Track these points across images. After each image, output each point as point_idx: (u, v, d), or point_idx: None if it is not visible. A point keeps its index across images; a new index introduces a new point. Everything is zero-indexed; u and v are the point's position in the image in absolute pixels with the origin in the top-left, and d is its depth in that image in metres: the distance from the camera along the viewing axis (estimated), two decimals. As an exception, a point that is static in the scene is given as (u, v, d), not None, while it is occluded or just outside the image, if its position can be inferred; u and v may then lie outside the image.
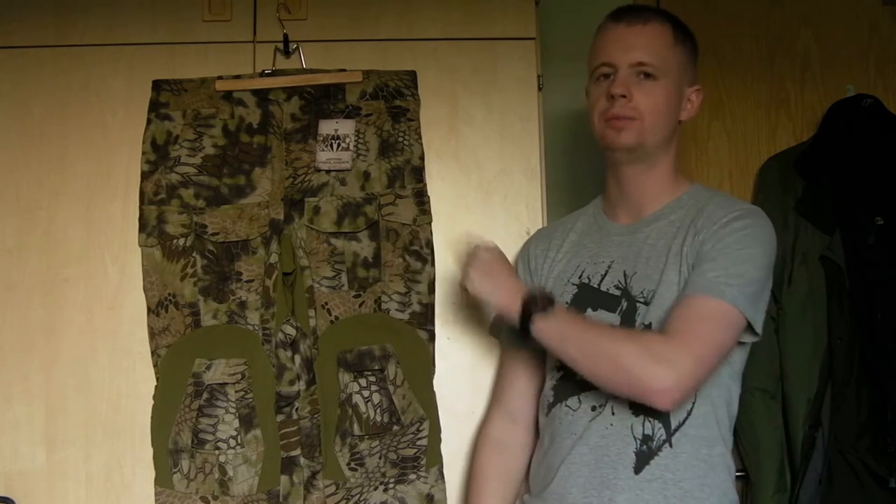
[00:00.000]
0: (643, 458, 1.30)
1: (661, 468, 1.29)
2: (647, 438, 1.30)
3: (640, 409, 1.31)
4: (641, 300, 1.35)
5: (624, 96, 1.37)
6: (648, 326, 1.33)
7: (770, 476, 1.75)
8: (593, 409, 1.34)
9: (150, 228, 1.64)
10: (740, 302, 1.27)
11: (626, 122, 1.37)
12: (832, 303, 1.77)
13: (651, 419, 1.30)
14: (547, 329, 1.31)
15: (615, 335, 1.30)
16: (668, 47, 1.41)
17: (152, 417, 1.58)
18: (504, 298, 1.37)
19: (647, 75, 1.38)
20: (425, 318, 1.63)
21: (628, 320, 1.36)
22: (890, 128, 1.88)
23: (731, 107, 2.04)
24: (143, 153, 1.67)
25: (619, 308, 1.37)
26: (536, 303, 1.32)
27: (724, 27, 2.06)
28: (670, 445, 1.30)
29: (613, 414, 1.32)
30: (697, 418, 1.31)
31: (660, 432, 1.30)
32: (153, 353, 1.61)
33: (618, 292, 1.38)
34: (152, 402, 1.59)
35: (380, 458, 1.58)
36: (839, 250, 1.79)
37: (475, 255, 1.43)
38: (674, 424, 1.30)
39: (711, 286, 1.27)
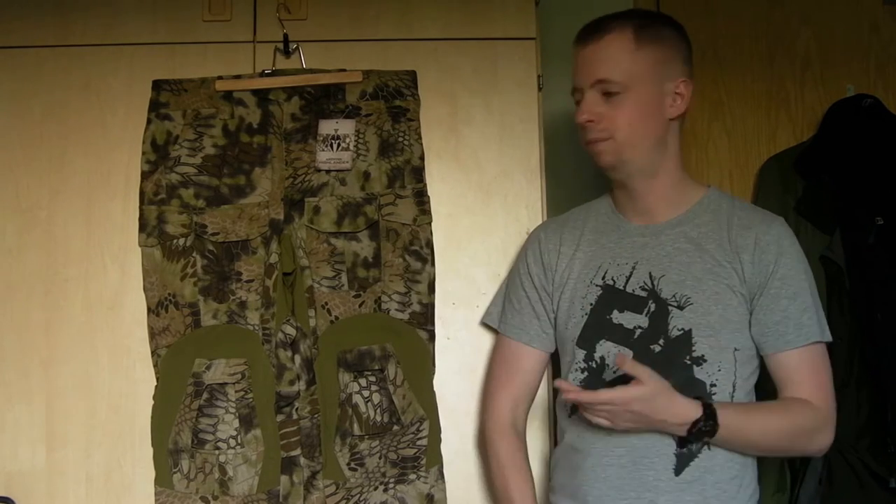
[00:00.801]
0: (683, 459, 1.31)
1: (701, 469, 1.31)
2: (685, 440, 1.31)
3: None
4: (674, 304, 1.36)
5: (591, 121, 1.37)
6: (685, 332, 1.34)
7: (770, 476, 1.75)
8: None
9: (150, 228, 1.64)
10: (828, 331, 1.39)
11: (602, 144, 1.37)
12: (832, 303, 1.77)
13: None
14: (719, 438, 1.30)
15: (781, 422, 1.32)
16: (629, 54, 1.36)
17: (152, 417, 1.58)
18: (671, 425, 1.29)
19: (609, 93, 1.36)
20: (425, 318, 1.63)
21: (659, 322, 1.36)
22: (890, 128, 1.88)
23: (731, 107, 2.04)
24: (143, 153, 1.67)
25: (647, 310, 1.38)
26: (700, 433, 1.28)
27: (724, 27, 2.06)
28: (708, 447, 1.32)
29: None
30: None
31: None
32: (153, 353, 1.61)
33: (644, 293, 1.39)
34: (152, 402, 1.59)
35: (380, 458, 1.58)
36: (839, 250, 1.79)
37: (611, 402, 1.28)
38: None
39: (816, 331, 1.36)
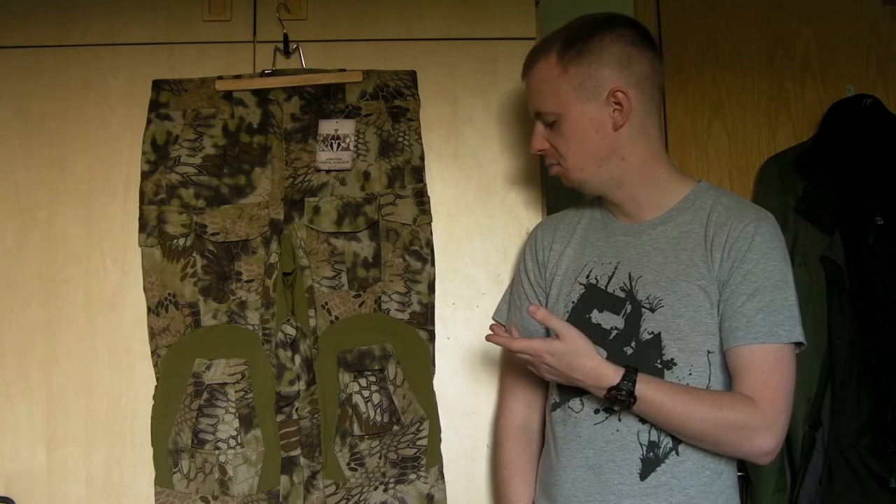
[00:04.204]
0: (649, 465, 1.30)
1: (668, 475, 1.30)
2: (653, 445, 1.30)
3: None
4: (647, 306, 1.35)
5: (542, 150, 1.42)
6: (655, 335, 1.33)
7: (770, 476, 1.75)
8: (596, 412, 1.34)
9: (150, 228, 1.64)
10: (794, 334, 1.28)
11: (556, 168, 1.42)
12: (832, 303, 1.77)
13: (657, 427, 1.31)
14: (638, 410, 1.28)
15: (707, 411, 1.26)
16: (554, 80, 1.37)
17: (152, 417, 1.58)
18: (588, 385, 1.30)
19: (548, 122, 1.39)
20: (425, 318, 1.63)
21: (632, 324, 1.35)
22: (890, 128, 1.88)
23: (731, 107, 2.04)
24: (143, 153, 1.67)
25: (624, 311, 1.37)
26: (617, 400, 1.27)
27: (724, 27, 2.06)
28: (677, 453, 1.30)
29: (620, 420, 1.32)
30: None
31: (666, 440, 1.30)
32: (153, 353, 1.61)
33: (623, 294, 1.38)
34: (152, 402, 1.59)
35: (380, 458, 1.58)
36: (839, 250, 1.79)
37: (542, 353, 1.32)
38: None
39: (766, 332, 1.27)
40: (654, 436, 1.30)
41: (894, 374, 1.71)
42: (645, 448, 1.30)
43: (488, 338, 1.35)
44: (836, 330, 1.76)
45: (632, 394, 1.26)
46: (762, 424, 1.25)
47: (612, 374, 1.27)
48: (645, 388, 1.26)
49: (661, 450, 1.30)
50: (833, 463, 1.72)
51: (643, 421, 1.31)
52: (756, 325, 1.27)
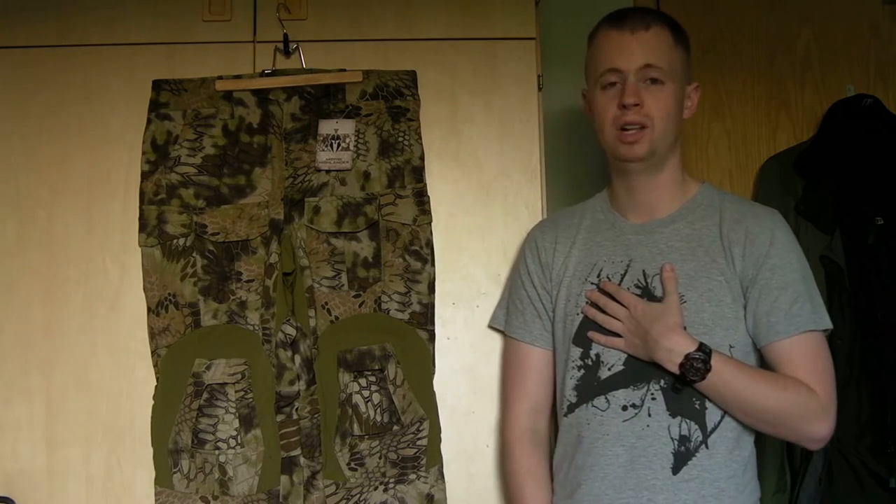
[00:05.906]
0: (681, 458, 1.31)
1: (699, 468, 1.31)
2: (684, 439, 1.32)
3: (676, 410, 1.33)
4: None
5: (637, 104, 1.36)
6: None
7: (770, 476, 1.75)
8: (624, 409, 1.35)
9: (150, 228, 1.64)
10: (826, 320, 1.36)
11: (638, 133, 1.37)
12: (832, 303, 1.77)
13: (687, 420, 1.32)
14: (702, 388, 1.31)
15: (772, 391, 1.30)
16: (670, 49, 1.40)
17: (152, 417, 1.58)
18: (662, 359, 1.32)
19: (655, 80, 1.37)
20: (425, 318, 1.63)
21: None
22: (890, 128, 1.88)
23: (731, 107, 2.04)
24: (143, 153, 1.67)
25: None
26: (692, 368, 1.29)
27: (724, 27, 2.06)
28: (706, 447, 1.32)
29: (650, 415, 1.33)
30: (731, 421, 1.33)
31: (696, 433, 1.32)
32: (153, 353, 1.61)
33: (638, 291, 1.39)
34: (152, 402, 1.59)
35: (380, 458, 1.58)
36: (839, 250, 1.79)
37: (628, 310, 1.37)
38: (710, 426, 1.32)
39: (806, 321, 1.33)
40: (685, 429, 1.32)
41: (894, 374, 1.71)
42: (676, 442, 1.32)
43: (589, 293, 1.41)
44: (836, 330, 1.75)
45: (707, 362, 1.28)
46: (821, 409, 1.30)
47: (690, 340, 1.30)
48: (718, 359, 1.29)
49: (692, 443, 1.32)
50: (833, 463, 1.72)
51: (673, 414, 1.32)
52: (795, 315, 1.32)
